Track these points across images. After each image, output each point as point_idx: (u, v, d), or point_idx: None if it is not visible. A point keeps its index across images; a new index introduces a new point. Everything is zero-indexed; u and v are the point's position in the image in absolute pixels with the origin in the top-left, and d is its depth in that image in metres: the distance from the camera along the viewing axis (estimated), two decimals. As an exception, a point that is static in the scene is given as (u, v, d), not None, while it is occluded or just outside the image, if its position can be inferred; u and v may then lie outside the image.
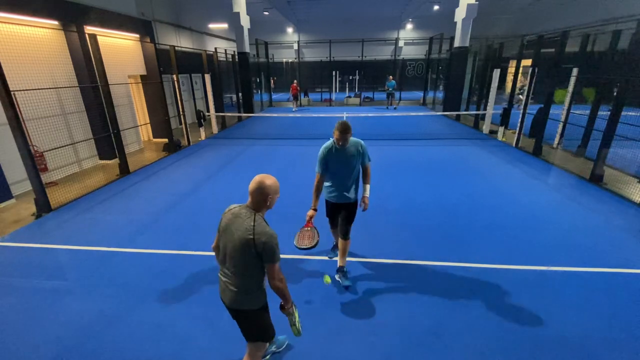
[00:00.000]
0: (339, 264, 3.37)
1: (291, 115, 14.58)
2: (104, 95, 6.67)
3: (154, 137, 10.53)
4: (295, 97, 17.51)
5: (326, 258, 3.76)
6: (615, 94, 5.81)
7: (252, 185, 1.79)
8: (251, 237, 1.72)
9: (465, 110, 12.93)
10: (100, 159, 7.89)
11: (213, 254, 2.82)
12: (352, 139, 2.98)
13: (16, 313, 2.97)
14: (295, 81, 17.63)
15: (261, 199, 1.79)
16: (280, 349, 2.53)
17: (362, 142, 3.09)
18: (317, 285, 3.30)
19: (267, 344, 2.03)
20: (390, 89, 16.50)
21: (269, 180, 1.79)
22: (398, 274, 3.46)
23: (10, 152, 5.42)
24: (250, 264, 1.79)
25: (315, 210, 3.00)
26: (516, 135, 8.69)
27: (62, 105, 6.80)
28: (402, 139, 10.02)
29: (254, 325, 1.99)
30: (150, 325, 2.79)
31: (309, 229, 2.91)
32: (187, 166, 7.62)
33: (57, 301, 3.12)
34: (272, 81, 21.36)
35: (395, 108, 16.79)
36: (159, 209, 5.17)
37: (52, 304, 3.08)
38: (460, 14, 12.45)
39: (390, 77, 16.98)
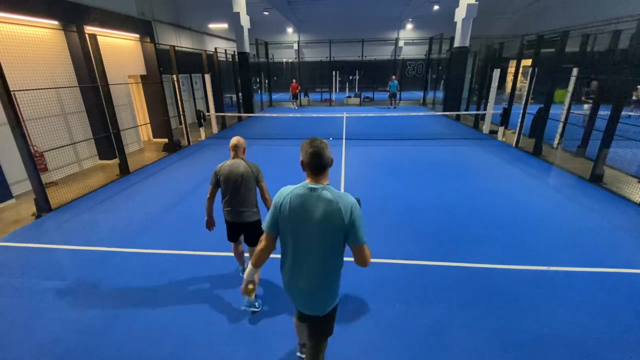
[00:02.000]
0: None
1: (291, 115, 14.58)
2: (104, 95, 6.67)
3: (154, 137, 10.53)
4: (295, 96, 17.61)
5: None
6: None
7: (232, 142, 2.90)
8: (250, 170, 2.85)
9: (465, 110, 12.93)
10: (100, 159, 7.89)
11: (213, 253, 3.66)
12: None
13: (16, 313, 2.97)
14: (294, 80, 17.72)
15: (241, 149, 2.93)
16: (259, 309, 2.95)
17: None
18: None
19: None
20: (392, 90, 16.45)
21: (241, 139, 2.94)
22: (398, 274, 3.46)
23: (10, 152, 5.42)
24: (252, 188, 2.91)
25: None
26: (516, 135, 8.69)
27: (62, 105, 6.80)
28: (402, 139, 10.01)
29: (260, 226, 2.95)
30: (150, 325, 2.79)
31: None
32: (187, 166, 7.62)
33: (57, 301, 3.12)
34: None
35: (395, 107, 16.81)
36: (159, 209, 5.17)
37: (52, 304, 3.07)
38: (460, 14, 12.45)
39: (393, 77, 16.93)
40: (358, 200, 1.69)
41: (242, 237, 3.13)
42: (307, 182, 1.68)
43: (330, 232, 1.62)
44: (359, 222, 1.61)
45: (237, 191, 2.84)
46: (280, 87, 25.85)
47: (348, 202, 1.61)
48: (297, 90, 17.70)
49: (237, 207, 2.89)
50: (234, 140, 2.92)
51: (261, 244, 1.83)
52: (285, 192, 1.70)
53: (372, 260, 3.80)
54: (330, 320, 1.89)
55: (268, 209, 2.62)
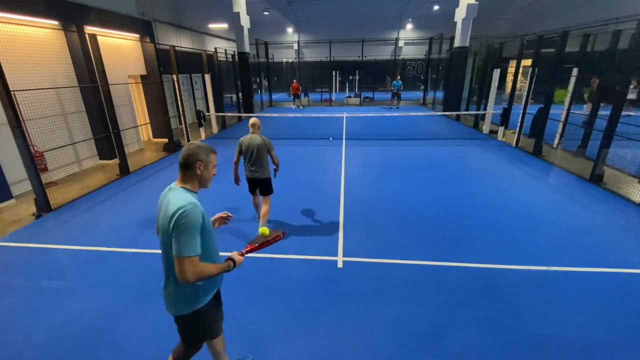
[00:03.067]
0: None
1: (291, 115, 14.58)
2: (104, 95, 6.66)
3: (154, 137, 10.53)
4: (296, 96, 17.67)
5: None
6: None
7: (251, 121, 3.95)
8: (263, 142, 3.96)
9: (465, 110, 12.93)
10: (100, 159, 7.89)
11: None
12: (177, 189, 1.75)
13: (16, 313, 2.97)
14: (295, 80, 17.82)
15: (257, 126, 4.01)
16: None
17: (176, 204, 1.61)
18: (317, 285, 3.30)
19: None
20: (395, 89, 16.52)
21: (257, 119, 3.98)
22: (398, 274, 3.46)
23: (10, 152, 5.42)
24: (264, 156, 4.00)
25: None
26: (516, 135, 8.69)
27: (62, 105, 6.80)
28: (402, 139, 10.01)
29: (270, 182, 4.16)
30: (150, 325, 2.79)
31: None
32: (187, 166, 7.60)
33: (57, 301, 3.11)
34: (266, 82, 21.08)
35: (397, 107, 16.86)
36: (159, 209, 5.16)
37: (52, 304, 3.07)
38: (460, 14, 12.45)
39: (398, 76, 17.00)
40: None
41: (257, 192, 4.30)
42: (175, 182, 1.74)
43: (164, 233, 1.59)
44: (179, 232, 1.49)
45: (253, 157, 3.96)
46: (280, 88, 25.86)
47: (178, 208, 1.52)
48: (299, 91, 17.77)
49: (255, 168, 4.04)
50: (252, 120, 4.01)
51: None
52: None
53: (373, 260, 3.82)
54: (186, 324, 1.77)
55: (275, 166, 4.13)
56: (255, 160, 3.98)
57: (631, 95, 9.50)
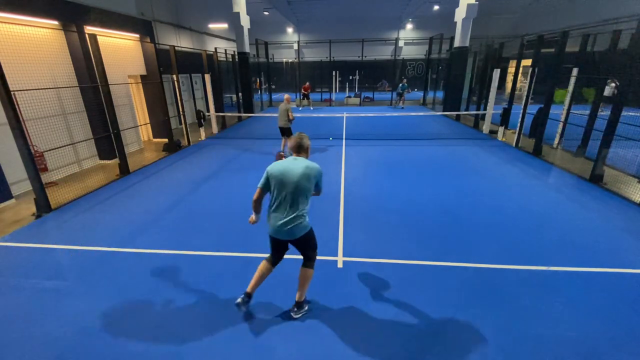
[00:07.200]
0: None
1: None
2: (104, 95, 6.66)
3: (154, 137, 10.53)
4: (306, 96, 17.99)
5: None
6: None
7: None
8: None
9: (465, 110, 12.93)
10: (100, 159, 7.89)
11: (213, 253, 3.23)
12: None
13: (16, 313, 2.97)
14: (307, 83, 18.40)
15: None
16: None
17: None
18: (318, 285, 3.30)
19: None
20: (401, 91, 17.07)
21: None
22: (398, 274, 3.46)
23: (10, 152, 5.42)
24: (285, 114, 7.66)
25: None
26: (516, 135, 8.69)
27: (62, 105, 6.80)
28: (402, 139, 10.02)
29: (291, 131, 7.84)
30: (150, 325, 2.79)
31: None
32: (187, 166, 7.62)
33: (57, 301, 3.12)
34: (270, 82, 21.82)
35: (402, 108, 16.97)
36: (159, 209, 5.17)
37: (52, 304, 3.07)
38: (460, 14, 12.46)
39: (404, 79, 17.66)
40: None
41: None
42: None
43: (303, 179, 2.61)
44: (321, 179, 2.75)
45: (281, 115, 7.66)
46: (280, 88, 25.84)
47: (317, 167, 2.69)
48: (309, 91, 18.06)
49: (281, 120, 7.67)
50: (286, 95, 7.83)
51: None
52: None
53: (373, 260, 3.82)
54: (310, 237, 2.78)
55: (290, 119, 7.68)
56: (281, 117, 7.61)
57: (606, 93, 9.05)
